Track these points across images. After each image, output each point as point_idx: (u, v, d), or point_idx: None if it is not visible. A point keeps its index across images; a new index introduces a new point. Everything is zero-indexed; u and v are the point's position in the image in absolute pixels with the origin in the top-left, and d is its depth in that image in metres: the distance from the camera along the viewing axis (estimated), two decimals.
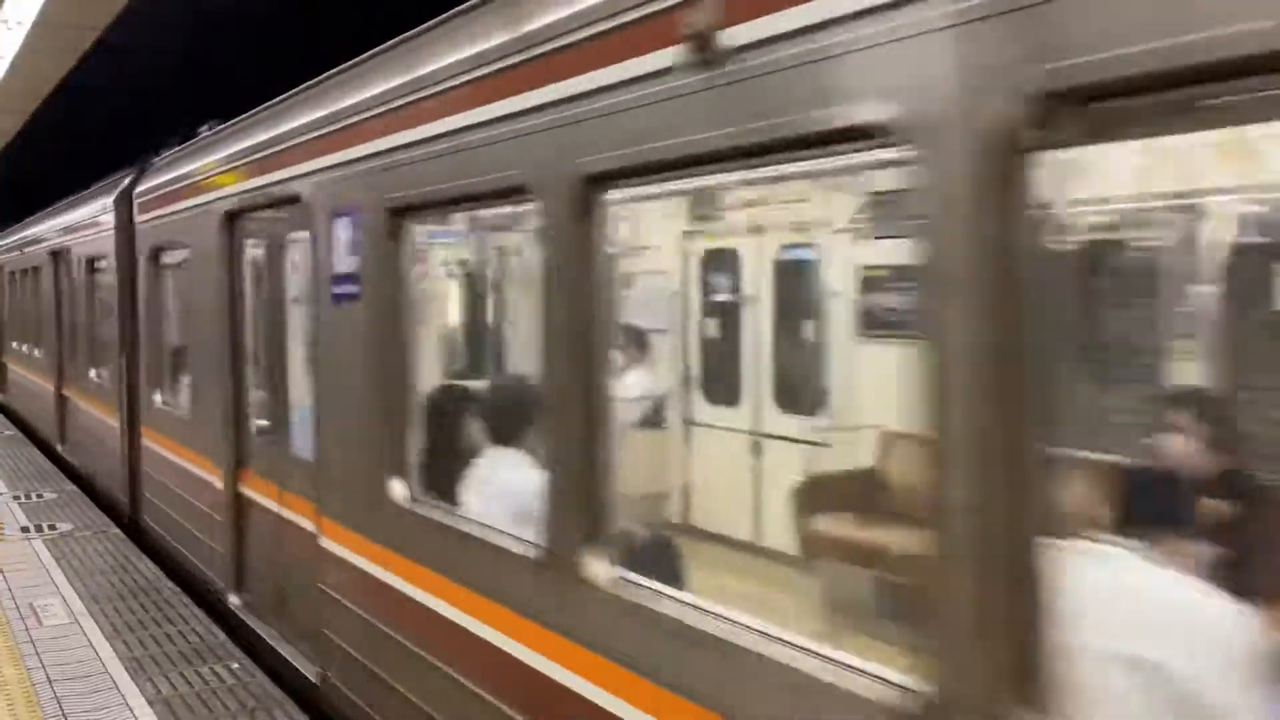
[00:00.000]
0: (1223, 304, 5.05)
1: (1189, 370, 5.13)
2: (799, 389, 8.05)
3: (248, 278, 7.26)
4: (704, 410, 8.63)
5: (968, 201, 2.20)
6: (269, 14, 13.23)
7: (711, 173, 3.43)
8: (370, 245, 4.98)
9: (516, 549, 3.94)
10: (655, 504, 7.25)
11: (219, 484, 7.48)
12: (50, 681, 6.19)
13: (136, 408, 10.28)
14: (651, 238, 8.47)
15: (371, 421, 5.04)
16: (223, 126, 8.07)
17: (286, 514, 6.39)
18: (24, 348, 18.13)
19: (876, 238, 6.99)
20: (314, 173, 5.65)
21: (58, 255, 14.30)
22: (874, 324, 7.18)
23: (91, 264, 12.20)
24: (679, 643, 3.08)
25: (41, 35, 14.35)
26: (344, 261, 5.24)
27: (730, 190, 7.21)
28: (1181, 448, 4.14)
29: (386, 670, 4.94)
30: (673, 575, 4.30)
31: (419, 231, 5.18)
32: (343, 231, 5.25)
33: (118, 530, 10.45)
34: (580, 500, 3.52)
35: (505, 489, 4.38)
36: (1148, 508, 2.94)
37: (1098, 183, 4.68)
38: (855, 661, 2.57)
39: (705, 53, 2.91)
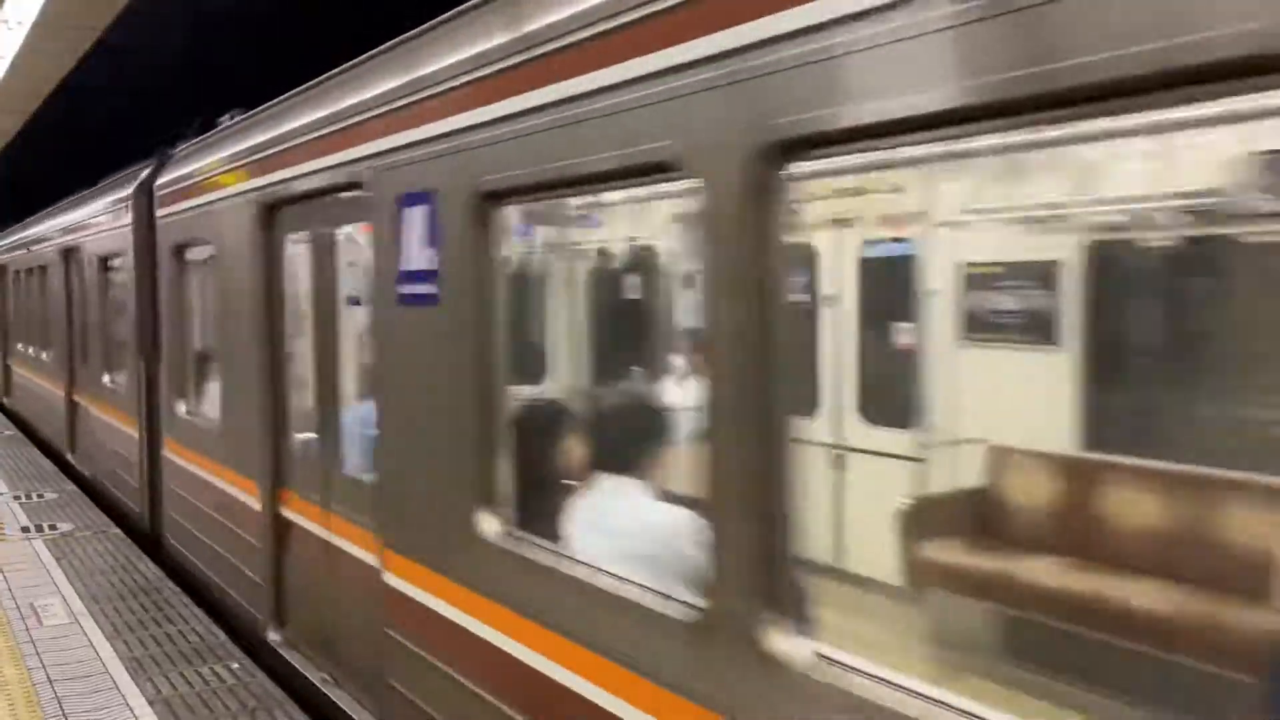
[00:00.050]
0: None
1: None
2: (888, 399, 7.07)
3: (289, 276, 6.38)
4: None
5: None
6: (269, 14, 13.21)
7: (957, 136, 2.62)
8: (454, 237, 4.13)
9: (659, 607, 3.11)
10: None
11: (255, 504, 6.58)
12: (50, 681, 6.05)
13: (157, 416, 9.32)
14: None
15: (453, 443, 4.20)
16: (261, 109, 7.02)
17: (338, 542, 5.55)
18: (31, 350, 16.91)
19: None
20: (380, 155, 4.76)
21: (68, 253, 13.36)
22: (980, 327, 6.37)
23: (105, 262, 11.27)
24: None
25: (42, 35, 14.32)
26: (417, 256, 4.39)
27: (809, 181, 6.36)
28: None
29: None
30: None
31: (514, 220, 4.43)
32: (416, 222, 4.39)
33: (118, 530, 10.09)
34: (756, 550, 2.72)
35: (628, 528, 3.57)
36: None
37: None
38: None
39: None
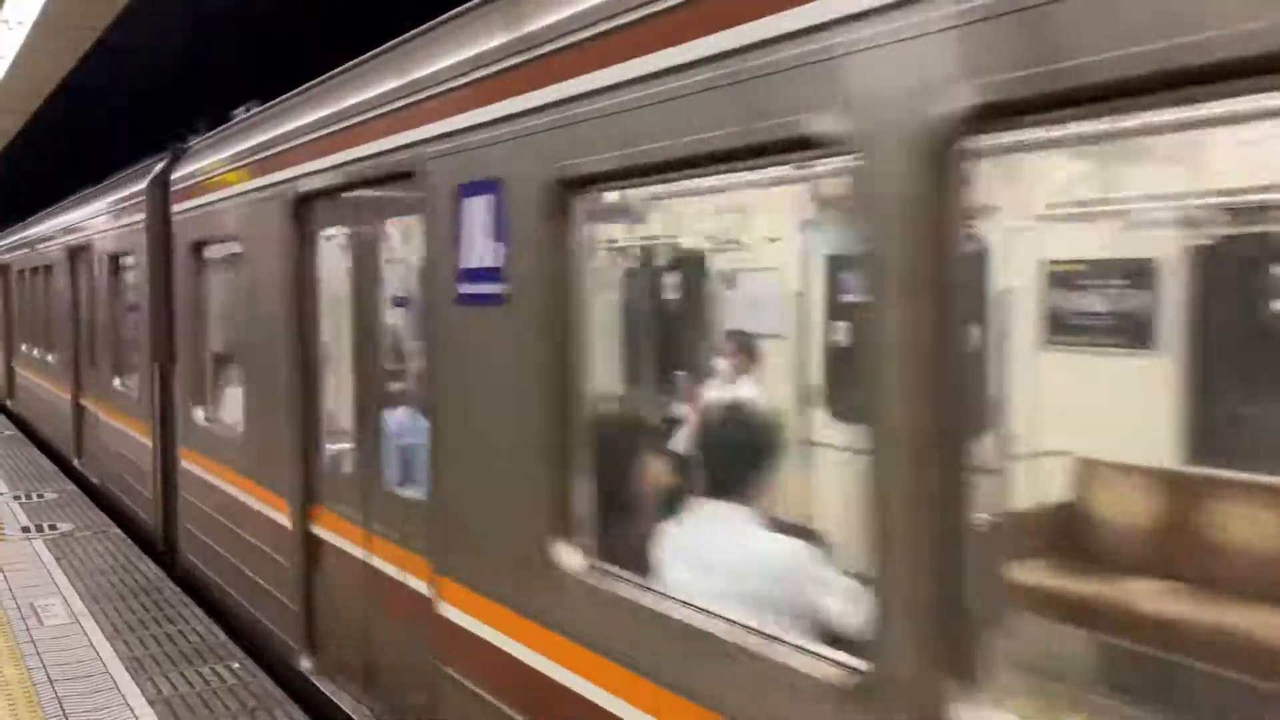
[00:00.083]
0: None
1: None
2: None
3: (323, 274, 5.79)
4: (829, 429, 6.86)
5: None
6: (269, 14, 13.17)
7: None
8: (525, 230, 3.61)
9: (800, 665, 2.55)
10: None
11: (284, 521, 5.97)
12: (51, 681, 5.97)
13: (172, 423, 8.64)
14: (758, 230, 7.12)
15: (524, 460, 3.68)
16: (293, 93, 6.36)
17: (380, 565, 4.98)
18: (36, 352, 16.07)
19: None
20: (433, 140, 4.23)
21: (75, 252, 12.69)
22: (1063, 329, 5.83)
23: (116, 261, 10.61)
24: None
25: (42, 35, 14.26)
26: (480, 252, 3.87)
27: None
28: None
29: None
30: None
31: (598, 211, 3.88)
32: (478, 213, 3.86)
33: (118, 530, 9.86)
34: (938, 602, 2.22)
35: (735, 563, 3.05)
36: None
37: None
38: None
39: None
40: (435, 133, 4.23)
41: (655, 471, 3.70)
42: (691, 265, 8.06)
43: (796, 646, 2.64)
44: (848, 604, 2.90)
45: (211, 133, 8.13)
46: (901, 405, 2.30)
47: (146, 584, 8.11)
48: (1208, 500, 5.19)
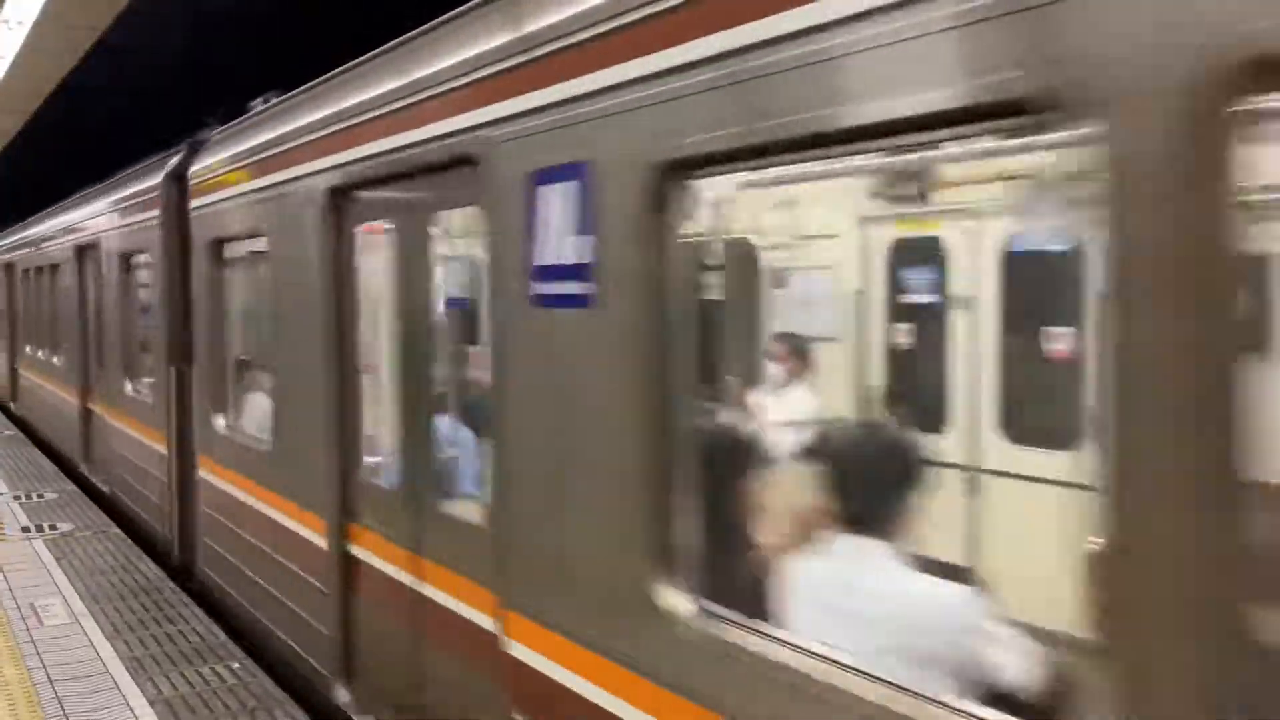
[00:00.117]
0: None
1: None
2: (1042, 414, 5.86)
3: (365, 272, 5.28)
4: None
5: None
6: (269, 14, 13.11)
7: None
8: (621, 221, 3.11)
9: None
10: None
11: (319, 540, 5.44)
12: (51, 681, 5.93)
13: (190, 431, 8.09)
14: (811, 226, 6.58)
15: (615, 483, 3.18)
16: (332, 74, 5.69)
17: (433, 594, 4.44)
18: (40, 354, 15.40)
19: None
20: (501, 121, 3.71)
21: (83, 250, 12.16)
22: None
23: (127, 259, 10.02)
24: None
25: (42, 35, 14.17)
26: (561, 247, 3.38)
27: (936, 165, 5.20)
28: None
29: None
30: None
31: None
32: (559, 203, 3.38)
33: (118, 530, 9.68)
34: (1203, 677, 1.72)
35: (888, 612, 2.54)
36: None
37: None
38: None
39: None
40: (501, 114, 3.71)
41: (774, 498, 3.19)
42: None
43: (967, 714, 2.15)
44: (1024, 663, 2.46)
45: (234, 122, 7.53)
46: (1171, 429, 1.80)
47: (146, 584, 8.02)
48: None
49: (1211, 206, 1.77)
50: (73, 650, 6.51)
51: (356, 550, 5.20)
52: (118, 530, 9.85)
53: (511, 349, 3.79)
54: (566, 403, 3.43)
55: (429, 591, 4.47)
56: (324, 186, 5.30)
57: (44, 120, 19.93)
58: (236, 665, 6.23)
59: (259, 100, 7.13)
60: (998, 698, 2.37)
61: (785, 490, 3.12)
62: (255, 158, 6.56)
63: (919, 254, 6.40)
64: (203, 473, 7.76)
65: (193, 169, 8.09)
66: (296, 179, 5.75)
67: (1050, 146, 2.31)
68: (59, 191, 15.82)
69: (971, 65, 2.11)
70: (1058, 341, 5.75)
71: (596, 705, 3.23)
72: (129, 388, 10.11)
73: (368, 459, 5.25)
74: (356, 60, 5.31)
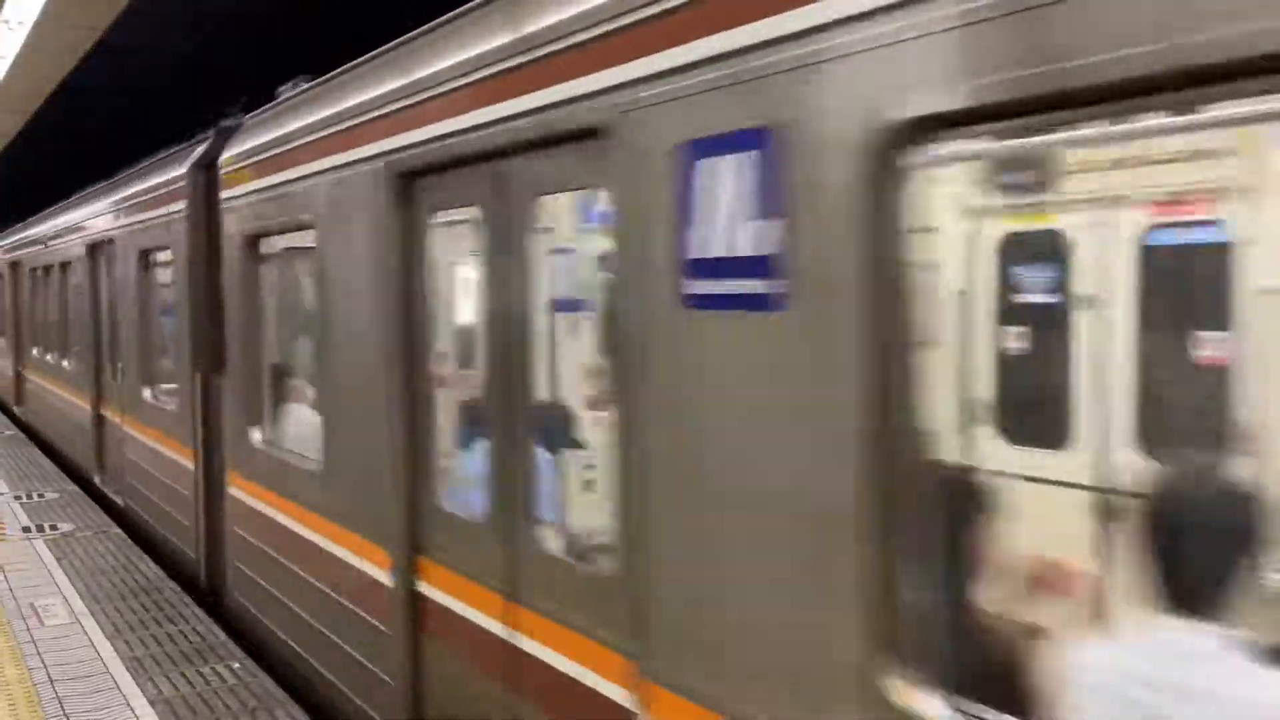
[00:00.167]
0: None
1: None
2: (1194, 426, 5.04)
3: (440, 269, 4.64)
4: (1001, 452, 5.51)
5: None
6: (269, 14, 13.10)
7: None
8: (826, 202, 2.46)
9: None
10: None
11: (381, 575, 4.79)
12: (51, 681, 5.96)
13: (219, 444, 7.36)
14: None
15: (812, 535, 2.53)
16: (398, 42, 4.97)
17: (535, 651, 3.79)
18: (49, 357, 14.58)
19: None
20: (640, 82, 3.05)
21: (96, 248, 11.43)
22: None
23: (146, 255, 9.31)
24: None
25: (43, 35, 14.15)
26: (729, 236, 2.77)
27: (1053, 151, 4.50)
28: None
29: None
30: None
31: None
32: (726, 181, 2.77)
33: (119, 530, 9.66)
34: None
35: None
36: None
37: None
38: None
39: None
40: (639, 74, 3.06)
41: (1049, 567, 2.50)
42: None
43: None
44: None
45: (276, 102, 6.70)
46: None
47: (147, 584, 8.05)
48: None
49: None
50: (73, 650, 6.52)
51: (428, 589, 4.56)
52: (118, 530, 9.80)
53: (650, 362, 3.10)
54: (737, 429, 2.79)
55: (526, 644, 3.87)
56: (393, 169, 4.64)
57: (44, 120, 19.91)
58: (237, 665, 6.22)
59: (288, 85, 6.56)
60: None
61: (1064, 550, 2.42)
62: (304, 139, 5.77)
63: (1035, 249, 5.68)
64: (233, 490, 7.05)
65: (224, 156, 7.26)
66: (356, 162, 5.05)
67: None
68: (59, 192, 15.80)
69: None
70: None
71: None
72: (148, 394, 9.41)
73: (446, 490, 4.61)
74: (427, 25, 4.63)
